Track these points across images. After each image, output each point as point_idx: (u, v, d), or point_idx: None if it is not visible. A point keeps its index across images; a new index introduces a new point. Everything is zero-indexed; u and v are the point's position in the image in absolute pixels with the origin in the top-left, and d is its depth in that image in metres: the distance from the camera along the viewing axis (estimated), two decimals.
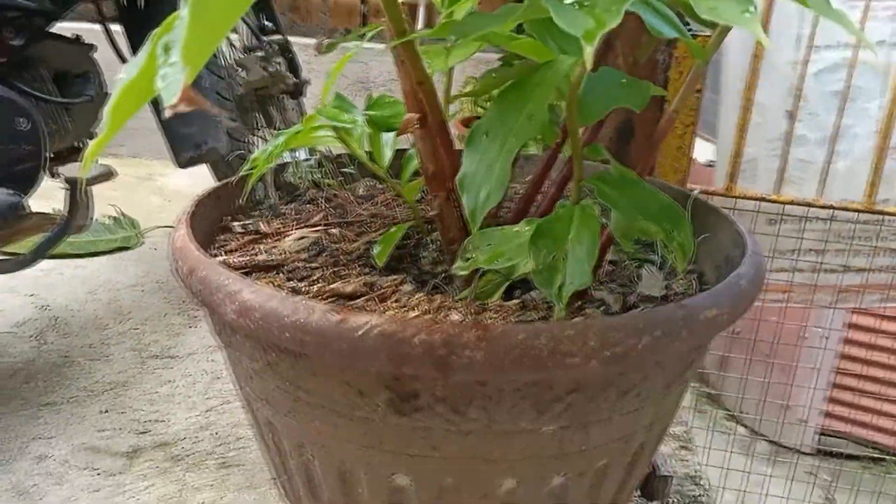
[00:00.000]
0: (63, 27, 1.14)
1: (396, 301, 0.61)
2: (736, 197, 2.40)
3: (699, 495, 1.09)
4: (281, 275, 0.65)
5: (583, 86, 0.55)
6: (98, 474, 0.96)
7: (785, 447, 3.44)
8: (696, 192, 0.76)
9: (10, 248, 1.02)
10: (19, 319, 1.33)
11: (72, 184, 0.95)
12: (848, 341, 3.56)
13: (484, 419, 0.53)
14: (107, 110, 0.39)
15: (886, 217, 2.31)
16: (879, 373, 3.49)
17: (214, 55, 1.32)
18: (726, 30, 0.53)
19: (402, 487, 0.58)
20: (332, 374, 0.54)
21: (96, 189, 1.27)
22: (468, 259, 0.59)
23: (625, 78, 0.59)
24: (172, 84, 0.31)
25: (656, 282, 0.66)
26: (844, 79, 2.11)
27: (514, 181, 0.89)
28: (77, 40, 1.18)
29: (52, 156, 1.16)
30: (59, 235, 1.01)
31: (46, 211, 1.06)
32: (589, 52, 0.35)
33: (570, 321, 0.51)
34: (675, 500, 1.06)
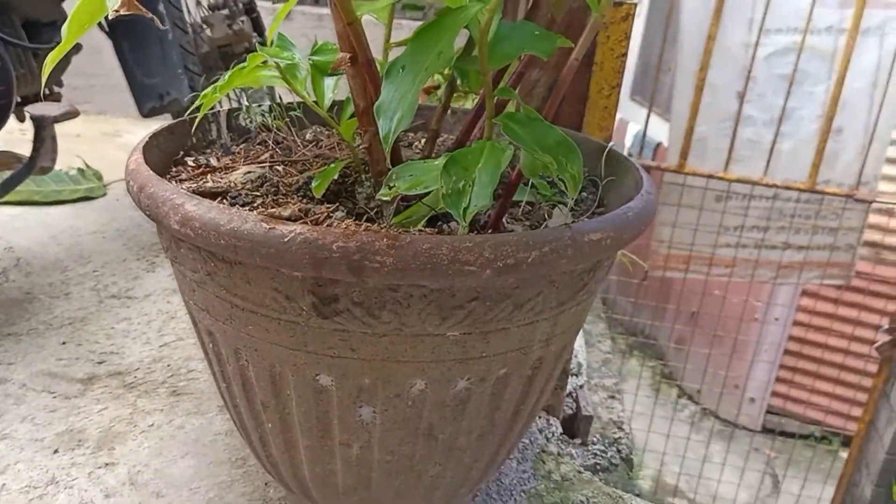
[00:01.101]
0: None
1: (329, 225, 0.68)
2: (686, 173, 2.49)
3: (620, 437, 1.18)
4: (226, 200, 0.72)
5: (497, 33, 0.62)
6: (55, 397, 1.02)
7: (733, 424, 3.57)
8: (611, 144, 0.83)
9: None
10: None
11: (38, 121, 1.00)
12: (798, 323, 3.69)
13: (396, 323, 0.60)
14: (65, 24, 0.45)
15: (826, 197, 2.42)
16: (827, 355, 3.61)
17: (180, 10, 1.37)
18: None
19: (324, 387, 0.65)
20: (262, 280, 0.61)
21: (63, 143, 1.32)
22: (391, 187, 0.66)
23: (538, 31, 0.66)
24: None
25: (564, 219, 0.74)
26: (793, 62, 2.20)
27: (450, 132, 0.96)
28: None
29: (20, 100, 1.20)
30: (24, 172, 1.06)
31: (12, 151, 1.11)
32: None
33: (469, 235, 0.58)
34: (597, 440, 1.15)
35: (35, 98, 1.24)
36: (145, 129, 1.34)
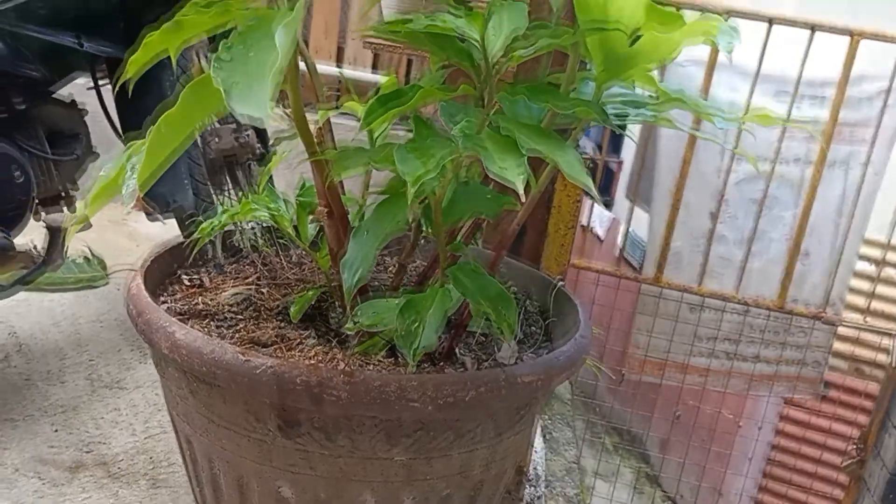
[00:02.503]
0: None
1: (300, 351, 0.77)
2: (662, 286, 2.60)
3: None
4: (212, 322, 0.82)
5: (452, 196, 0.73)
6: (44, 483, 1.09)
7: None
8: (558, 281, 0.93)
9: None
10: None
11: (53, 231, 1.11)
12: (780, 432, 3.72)
13: (350, 446, 0.69)
14: (88, 199, 0.56)
15: (795, 315, 2.50)
16: (808, 466, 3.62)
17: None
18: (554, 167, 0.72)
19: (286, 498, 0.73)
20: (237, 402, 0.70)
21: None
22: (356, 322, 0.75)
23: (490, 193, 0.77)
24: (131, 194, 0.49)
25: (511, 352, 0.83)
26: (762, 189, 2.34)
27: (418, 258, 1.07)
28: (72, 104, 1.36)
29: (38, 201, 1.32)
30: (36, 271, 1.16)
31: (27, 249, 1.22)
32: (412, 192, 0.53)
33: (415, 374, 0.68)
34: None
35: (52, 200, 1.35)
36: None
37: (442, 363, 0.77)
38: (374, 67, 2.57)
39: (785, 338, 2.41)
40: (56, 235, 1.12)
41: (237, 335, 0.79)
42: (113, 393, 1.37)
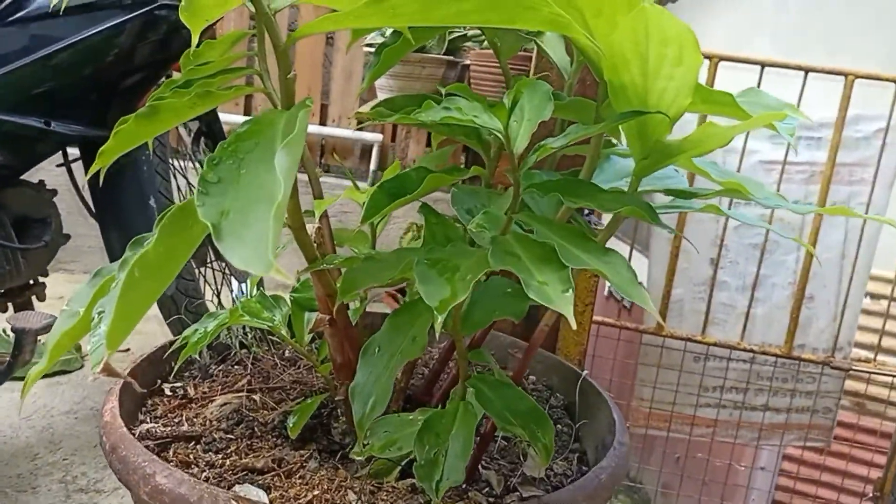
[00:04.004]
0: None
1: (301, 478, 0.68)
2: (664, 336, 2.52)
3: None
4: (199, 446, 0.72)
5: (469, 299, 0.65)
6: None
7: None
8: (584, 373, 0.85)
9: None
10: None
11: (19, 333, 1.01)
12: (786, 473, 3.58)
13: None
14: (48, 345, 0.47)
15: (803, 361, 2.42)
16: None
17: (167, 197, 1.41)
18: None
19: None
20: None
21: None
22: (366, 444, 0.66)
23: (510, 287, 0.69)
24: (98, 352, 0.39)
25: (538, 465, 0.74)
26: (762, 233, 2.28)
27: (429, 345, 0.98)
28: (40, 185, 1.27)
29: (3, 292, 1.22)
30: (2, 377, 1.06)
31: None
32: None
33: None
34: None
35: (20, 290, 1.25)
36: None
37: (464, 484, 0.68)
38: (360, 126, 2.51)
39: (794, 385, 2.34)
40: (24, 339, 1.02)
41: (228, 461, 0.69)
42: (89, 498, 1.25)
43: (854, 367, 2.12)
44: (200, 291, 1.43)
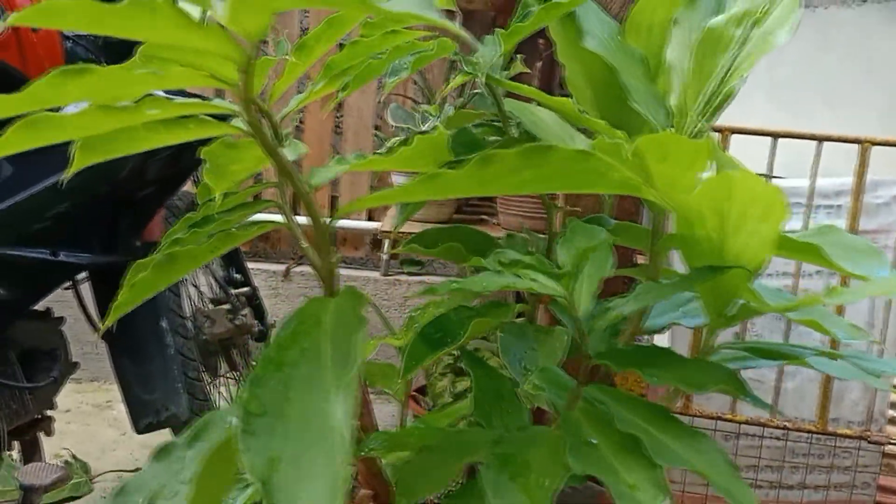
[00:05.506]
0: None
1: None
2: (692, 415, 2.44)
3: None
4: None
5: None
6: None
7: None
8: None
9: None
10: None
11: (27, 490, 0.95)
12: None
13: None
14: None
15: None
16: None
17: (183, 317, 1.36)
18: None
19: None
20: None
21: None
22: None
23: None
24: None
25: None
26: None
27: None
28: (47, 314, 1.22)
29: (9, 429, 1.16)
30: None
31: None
32: None
33: None
34: None
35: (27, 428, 1.19)
36: None
37: None
38: (370, 217, 2.49)
39: (831, 461, 2.26)
40: (32, 496, 0.95)
41: None
42: None
43: (892, 441, 2.05)
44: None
